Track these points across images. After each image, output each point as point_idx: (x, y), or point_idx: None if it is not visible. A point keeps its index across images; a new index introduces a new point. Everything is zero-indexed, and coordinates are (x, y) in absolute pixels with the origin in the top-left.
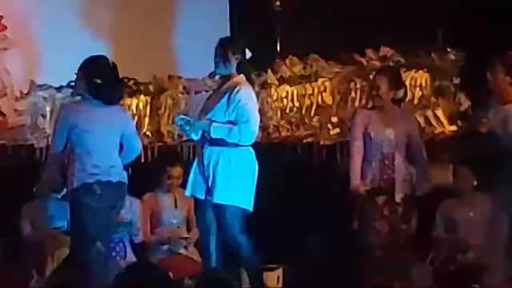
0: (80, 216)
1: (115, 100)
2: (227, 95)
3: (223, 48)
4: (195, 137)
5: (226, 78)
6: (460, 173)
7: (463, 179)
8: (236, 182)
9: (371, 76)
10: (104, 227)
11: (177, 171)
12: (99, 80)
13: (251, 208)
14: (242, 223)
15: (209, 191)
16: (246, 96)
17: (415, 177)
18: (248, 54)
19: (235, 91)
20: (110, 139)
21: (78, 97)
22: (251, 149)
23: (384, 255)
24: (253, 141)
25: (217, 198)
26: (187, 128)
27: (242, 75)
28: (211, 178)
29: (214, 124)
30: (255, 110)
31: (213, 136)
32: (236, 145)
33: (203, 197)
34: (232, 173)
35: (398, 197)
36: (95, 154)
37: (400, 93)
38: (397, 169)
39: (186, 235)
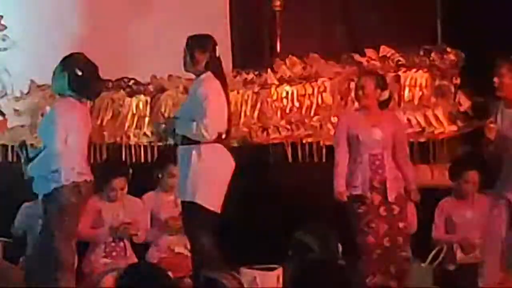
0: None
1: (94, 94)
2: (191, 92)
3: (190, 48)
4: (172, 140)
5: (196, 76)
6: (469, 177)
7: (472, 183)
8: (196, 180)
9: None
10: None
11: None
12: (80, 72)
13: (214, 208)
14: (204, 222)
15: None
16: (206, 92)
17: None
18: (219, 51)
19: (197, 87)
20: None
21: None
22: (220, 147)
23: (383, 255)
24: (211, 137)
25: (180, 195)
26: (163, 132)
27: (209, 72)
28: (180, 176)
29: (176, 120)
30: (214, 106)
31: (177, 132)
32: (200, 142)
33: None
34: (192, 171)
35: (391, 197)
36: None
37: (385, 94)
38: (388, 168)
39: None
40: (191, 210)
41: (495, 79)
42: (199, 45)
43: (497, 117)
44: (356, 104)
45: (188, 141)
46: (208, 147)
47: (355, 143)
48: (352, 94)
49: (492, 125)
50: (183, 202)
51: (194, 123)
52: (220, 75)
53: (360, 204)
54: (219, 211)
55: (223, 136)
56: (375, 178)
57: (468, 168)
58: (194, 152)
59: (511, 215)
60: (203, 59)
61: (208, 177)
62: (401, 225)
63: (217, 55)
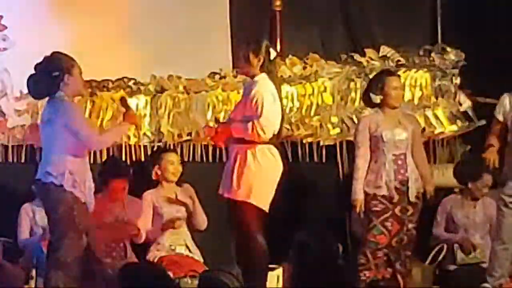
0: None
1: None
2: (246, 93)
3: (244, 51)
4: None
5: (250, 78)
6: (487, 181)
7: (487, 186)
8: (251, 180)
9: (371, 76)
10: None
11: (176, 168)
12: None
13: (265, 207)
14: (257, 220)
15: None
16: (261, 92)
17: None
18: (274, 54)
19: (252, 88)
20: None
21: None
22: (273, 147)
23: (390, 254)
24: (267, 137)
25: (230, 194)
26: None
27: (264, 74)
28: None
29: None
30: (269, 106)
31: (233, 133)
32: (255, 142)
33: None
34: (247, 171)
35: (412, 197)
36: None
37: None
38: (410, 168)
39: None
40: (243, 209)
41: None
42: (252, 49)
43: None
44: (357, 103)
45: (243, 141)
46: (263, 147)
47: (379, 143)
48: (352, 94)
49: (491, 149)
50: (233, 201)
51: (250, 124)
52: (274, 77)
53: (378, 202)
54: (267, 210)
55: (276, 136)
56: (397, 178)
57: (485, 171)
58: (249, 152)
59: None
60: (257, 62)
61: (263, 178)
62: (410, 225)
63: (271, 58)
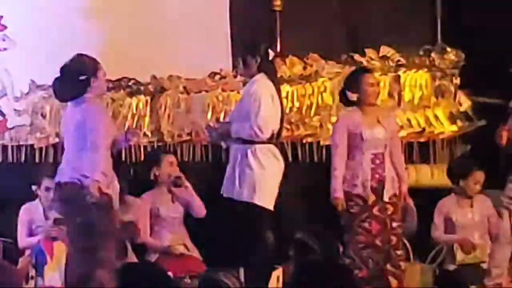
0: None
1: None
2: (244, 93)
3: (242, 53)
4: (224, 144)
5: (249, 79)
6: (478, 176)
7: (479, 183)
8: (253, 180)
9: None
10: None
11: (174, 170)
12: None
13: (269, 206)
14: (263, 220)
15: None
16: (259, 92)
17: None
18: (272, 54)
19: (250, 88)
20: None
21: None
22: (273, 147)
23: (374, 254)
24: (265, 137)
25: (234, 195)
26: (219, 136)
27: (262, 74)
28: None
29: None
30: (267, 105)
31: (232, 134)
32: (254, 142)
33: None
34: (248, 171)
35: (386, 196)
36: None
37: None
38: (387, 168)
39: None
40: (248, 210)
41: None
42: (250, 51)
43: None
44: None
45: (243, 141)
46: (263, 147)
47: (358, 142)
48: None
49: (504, 133)
50: (237, 201)
51: (248, 123)
52: (273, 77)
53: (354, 203)
54: (272, 209)
55: (275, 136)
56: (374, 178)
57: (475, 167)
58: (249, 152)
59: None
60: (255, 63)
61: (265, 177)
62: (394, 224)
63: (270, 58)
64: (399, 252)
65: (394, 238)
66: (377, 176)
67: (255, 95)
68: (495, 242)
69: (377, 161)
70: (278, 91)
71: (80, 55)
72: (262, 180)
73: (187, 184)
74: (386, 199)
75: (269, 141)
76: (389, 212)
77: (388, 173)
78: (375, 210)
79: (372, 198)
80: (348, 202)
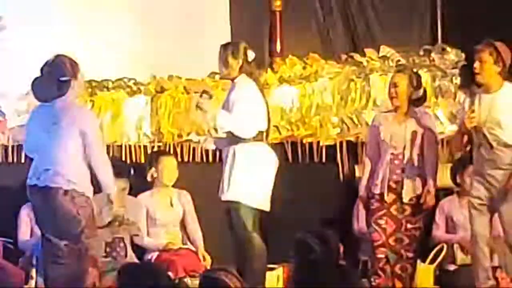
0: None
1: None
2: (227, 95)
3: (223, 56)
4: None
5: (231, 81)
6: (468, 170)
7: (468, 174)
8: (239, 178)
9: (371, 76)
10: None
11: (172, 172)
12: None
13: (259, 206)
14: (251, 220)
15: None
16: (240, 92)
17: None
18: (252, 55)
19: (231, 89)
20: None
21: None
22: (262, 144)
23: (387, 254)
24: (250, 135)
25: (223, 195)
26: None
27: (243, 75)
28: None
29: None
30: (248, 104)
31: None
32: (243, 141)
33: None
34: (235, 170)
35: (406, 198)
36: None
37: (419, 92)
38: (407, 169)
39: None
40: (235, 209)
41: (476, 65)
42: (231, 52)
43: (475, 105)
44: (357, 103)
45: (229, 142)
46: (249, 145)
47: (380, 142)
48: (352, 94)
49: (472, 115)
50: (226, 201)
51: (225, 122)
52: (254, 77)
53: (374, 200)
54: (267, 209)
55: (264, 134)
56: (392, 178)
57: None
58: (236, 151)
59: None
60: (236, 65)
61: (252, 176)
62: (409, 226)
63: (249, 59)
64: (410, 255)
65: (405, 239)
66: (394, 177)
67: (234, 96)
68: (474, 246)
69: (396, 162)
70: (262, 91)
71: (61, 56)
72: (249, 179)
73: None
74: (405, 200)
75: (256, 140)
76: (406, 213)
77: (409, 174)
78: (392, 209)
79: (391, 197)
80: (369, 200)
